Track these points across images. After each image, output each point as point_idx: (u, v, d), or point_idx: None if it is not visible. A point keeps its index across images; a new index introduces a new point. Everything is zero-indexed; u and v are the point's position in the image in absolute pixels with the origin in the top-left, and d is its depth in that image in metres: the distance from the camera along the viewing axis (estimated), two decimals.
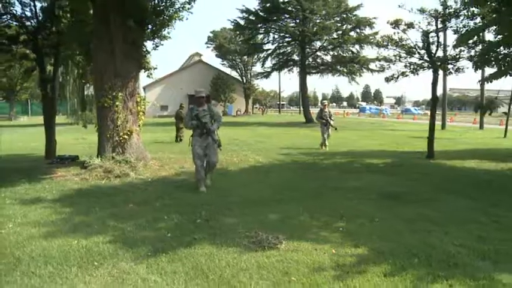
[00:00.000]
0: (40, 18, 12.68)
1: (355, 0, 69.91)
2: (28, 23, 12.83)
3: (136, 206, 6.73)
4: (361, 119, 49.52)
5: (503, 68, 10.72)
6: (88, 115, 37.78)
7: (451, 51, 14.00)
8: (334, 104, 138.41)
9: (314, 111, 62.24)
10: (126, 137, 10.40)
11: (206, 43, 68.06)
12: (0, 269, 4.13)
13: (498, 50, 11.08)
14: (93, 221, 5.85)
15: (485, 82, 11.56)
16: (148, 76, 11.85)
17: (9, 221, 5.83)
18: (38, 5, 12.74)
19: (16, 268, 4.14)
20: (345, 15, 39.45)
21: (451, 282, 3.88)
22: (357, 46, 39.40)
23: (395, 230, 5.51)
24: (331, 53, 41.03)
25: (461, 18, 12.69)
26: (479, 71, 16.12)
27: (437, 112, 17.83)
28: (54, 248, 4.69)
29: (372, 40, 33.47)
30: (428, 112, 57.31)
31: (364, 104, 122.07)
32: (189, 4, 10.75)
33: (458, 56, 13.15)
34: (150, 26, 11.00)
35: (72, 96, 31.75)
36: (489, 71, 13.23)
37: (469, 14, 12.35)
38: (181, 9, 10.92)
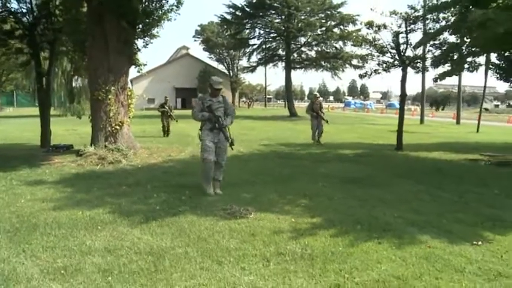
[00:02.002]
0: (35, 14, 13.49)
1: None
2: (24, 19, 13.63)
3: (129, 187, 7.73)
4: (345, 114, 50.79)
5: (454, 67, 11.93)
6: (76, 107, 38.44)
7: (419, 51, 15.21)
8: (321, 99, 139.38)
9: (300, 105, 63.41)
10: (117, 127, 11.38)
11: (194, 36, 68.89)
12: (23, 230, 5.13)
13: (454, 52, 12.25)
14: (93, 198, 6.85)
15: (438, 80, 12.77)
16: (138, 72, 12.82)
17: (20, 198, 6.81)
18: (34, 1, 13.57)
19: (35, 230, 5.14)
20: (329, 12, 40.55)
21: (381, 241, 4.97)
22: (340, 42, 40.59)
23: (348, 206, 6.60)
24: (315, 48, 42.19)
25: (427, 21, 13.84)
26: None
27: (414, 108, 18.94)
28: (63, 217, 5.69)
29: (355, 37, 34.64)
30: (412, 107, 58.53)
31: (350, 98, 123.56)
32: (177, 7, 11.74)
33: (424, 56, 14.31)
34: (140, 26, 11.95)
35: (60, 88, 32.44)
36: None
37: (434, 17, 13.49)
38: (169, 10, 11.88)
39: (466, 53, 11.75)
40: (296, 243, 4.86)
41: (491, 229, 5.55)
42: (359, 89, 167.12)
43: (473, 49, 11.87)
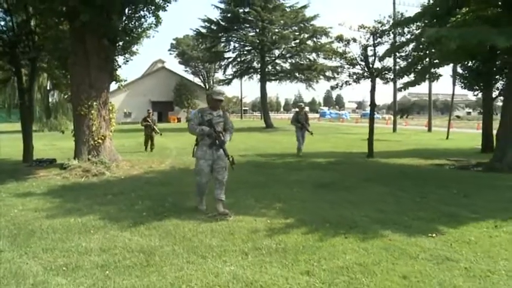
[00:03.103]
0: (16, 32, 13.79)
1: (312, 10, 72.45)
2: (5, 36, 13.91)
3: (115, 197, 8.20)
4: (320, 124, 51.69)
5: (416, 77, 12.83)
6: (53, 122, 38.39)
7: (387, 63, 16.07)
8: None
9: (276, 116, 64.10)
10: (100, 141, 11.82)
11: (169, 50, 69.22)
12: (22, 236, 5.60)
13: (417, 64, 13.13)
14: (82, 206, 7.32)
15: (402, 89, 13.65)
16: (119, 88, 13.30)
17: (12, 208, 7.23)
18: (14, 19, 13.88)
19: (33, 235, 5.61)
20: (302, 25, 41.52)
21: (347, 236, 5.59)
22: (313, 54, 41.53)
23: (319, 207, 7.23)
24: (290, 60, 43.10)
25: (392, 36, 14.71)
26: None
27: (388, 116, 19.71)
28: (57, 224, 6.16)
29: (327, 49, 35.68)
30: (386, 116, 59.78)
31: (325, 108, 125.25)
32: (156, 25, 12.29)
33: (394, 68, 15.16)
34: (121, 43, 12.46)
35: (37, 103, 32.46)
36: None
37: (399, 32, 14.37)
38: (148, 28, 12.43)
39: (427, 64, 12.61)
40: (271, 239, 5.45)
41: (446, 223, 6.24)
42: (334, 99, 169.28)
43: (434, 61, 12.73)
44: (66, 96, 17.81)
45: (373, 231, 5.85)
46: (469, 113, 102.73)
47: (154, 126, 18.00)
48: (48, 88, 35.06)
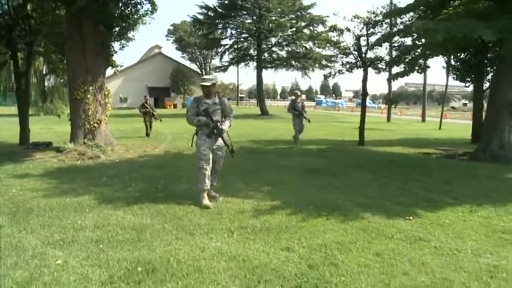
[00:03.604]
0: (12, 15, 13.94)
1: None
2: (1, 20, 14.05)
3: (109, 179, 8.50)
4: (316, 112, 51.95)
5: (406, 68, 13.12)
6: (49, 106, 38.50)
7: (379, 53, 16.33)
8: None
9: (272, 104, 64.16)
10: (96, 125, 12.08)
11: (166, 36, 69.11)
12: (21, 213, 5.90)
13: (408, 54, 13.41)
14: (78, 187, 7.62)
15: (392, 80, 13.95)
16: (115, 73, 13.53)
17: (11, 188, 7.51)
18: (11, 3, 14.01)
19: (31, 213, 5.91)
20: (299, 13, 41.65)
21: (329, 218, 5.91)
22: (310, 43, 41.71)
23: (305, 191, 7.55)
24: (286, 48, 43.24)
25: (386, 25, 14.96)
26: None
27: (384, 106, 19.99)
28: (54, 203, 6.46)
29: (323, 37, 35.85)
30: (382, 106, 60.10)
31: (322, 97, 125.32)
32: (152, 11, 12.51)
33: (382, 58, 15.43)
34: (117, 29, 12.67)
35: (32, 87, 32.59)
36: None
37: (391, 22, 14.62)
38: (144, 14, 12.64)
39: (417, 55, 12.89)
40: (256, 219, 5.77)
41: (424, 208, 6.58)
42: (331, 88, 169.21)
43: (423, 52, 13.01)
44: (62, 81, 18.01)
45: (354, 213, 6.18)
46: (465, 104, 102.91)
47: (154, 112, 17.91)
48: (44, 72, 35.16)
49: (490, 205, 6.79)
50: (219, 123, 6.54)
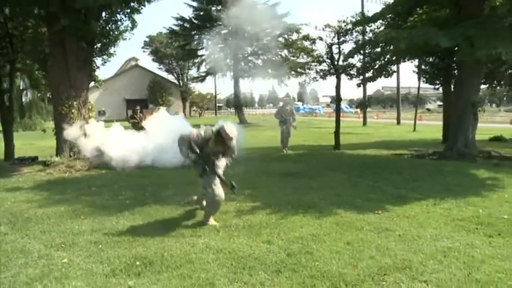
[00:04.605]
0: None
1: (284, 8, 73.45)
2: None
3: (99, 188, 8.95)
4: None
5: (374, 74, 13.93)
6: (27, 122, 38.37)
7: (351, 60, 17.07)
8: (271, 105, 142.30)
9: (250, 112, 64.54)
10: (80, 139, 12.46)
11: (142, 47, 68.79)
12: (20, 222, 6.35)
13: (377, 61, 14.21)
14: (69, 198, 8.07)
15: (362, 85, 14.74)
16: (97, 87, 13.95)
17: (5, 201, 7.92)
18: None
19: (30, 221, 6.37)
20: (274, 22, 42.40)
21: (305, 215, 6.50)
22: (285, 51, 42.44)
23: (284, 193, 8.14)
24: (262, 57, 43.91)
25: (355, 34, 15.73)
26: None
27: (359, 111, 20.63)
28: (50, 212, 6.92)
29: (296, 46, 36.67)
30: (359, 110, 60.92)
31: (299, 103, 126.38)
32: (132, 29, 13.02)
33: (354, 65, 16.18)
34: (98, 45, 13.13)
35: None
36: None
37: (360, 31, 15.39)
38: (124, 31, 13.14)
39: (385, 62, 13.69)
40: (239, 219, 6.34)
41: (393, 203, 7.22)
42: (308, 94, 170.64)
43: (393, 58, 13.80)
44: (39, 95, 18.26)
45: (328, 210, 6.79)
46: (440, 106, 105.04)
47: (142, 125, 17.99)
48: (21, 88, 35.18)
49: (451, 198, 7.46)
50: (211, 166, 5.96)
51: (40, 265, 4.61)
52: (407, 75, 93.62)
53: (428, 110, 77.77)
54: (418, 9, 13.98)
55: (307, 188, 8.66)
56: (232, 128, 5.78)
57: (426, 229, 5.72)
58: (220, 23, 41.60)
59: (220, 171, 6.06)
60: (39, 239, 5.55)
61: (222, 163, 6.15)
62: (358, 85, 15.07)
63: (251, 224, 6.04)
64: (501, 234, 5.46)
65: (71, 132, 11.77)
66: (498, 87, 22.89)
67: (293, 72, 41.94)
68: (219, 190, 5.93)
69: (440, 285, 4.05)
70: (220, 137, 5.75)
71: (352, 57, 14.76)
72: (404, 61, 15.51)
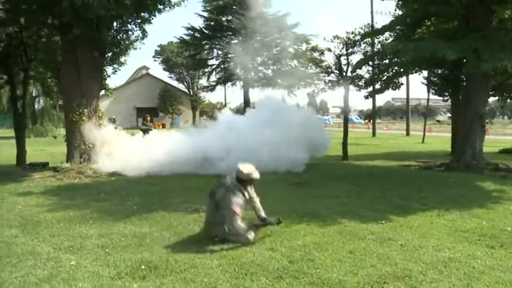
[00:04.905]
0: (7, 43, 14.58)
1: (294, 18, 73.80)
2: None
3: (108, 195, 9.11)
4: None
5: (382, 86, 14.02)
6: (39, 128, 38.83)
7: (360, 71, 17.19)
8: None
9: None
10: (91, 145, 12.67)
11: (153, 56, 69.53)
12: (30, 226, 6.51)
13: (385, 72, 14.31)
14: (79, 203, 8.22)
15: (370, 97, 14.82)
16: (107, 95, 14.20)
17: (16, 205, 8.10)
18: (6, 31, 14.65)
19: (40, 225, 6.52)
20: (283, 33, 42.67)
21: (309, 223, 6.59)
22: (295, 61, 42.67)
23: (290, 201, 8.24)
24: (272, 67, 44.15)
25: (363, 45, 15.86)
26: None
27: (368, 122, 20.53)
28: (59, 216, 7.07)
29: (309, 55, 36.86)
30: (368, 121, 60.81)
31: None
32: (142, 38, 13.27)
33: (362, 76, 16.30)
34: (109, 55, 13.37)
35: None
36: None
37: (369, 42, 15.52)
38: (135, 40, 13.38)
39: (393, 73, 13.78)
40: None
41: (397, 214, 7.28)
42: (318, 105, 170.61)
43: (401, 69, 13.90)
44: (51, 102, 18.59)
45: (332, 219, 6.87)
46: (450, 117, 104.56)
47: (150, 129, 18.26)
48: (34, 95, 35.72)
49: (456, 209, 7.52)
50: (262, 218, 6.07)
51: (49, 267, 4.75)
52: (417, 86, 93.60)
53: (438, 121, 77.47)
54: (426, 21, 14.08)
55: (313, 197, 8.75)
56: (247, 167, 5.94)
57: (428, 239, 5.78)
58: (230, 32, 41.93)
59: (263, 214, 6.18)
60: (48, 242, 5.70)
61: (257, 203, 6.29)
62: (366, 97, 15.15)
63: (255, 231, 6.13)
64: (503, 246, 5.51)
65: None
66: (509, 100, 22.84)
67: (302, 83, 42.61)
68: (249, 234, 5.73)
69: None
70: (243, 180, 5.90)
71: (360, 68, 14.87)
72: (412, 73, 15.62)
